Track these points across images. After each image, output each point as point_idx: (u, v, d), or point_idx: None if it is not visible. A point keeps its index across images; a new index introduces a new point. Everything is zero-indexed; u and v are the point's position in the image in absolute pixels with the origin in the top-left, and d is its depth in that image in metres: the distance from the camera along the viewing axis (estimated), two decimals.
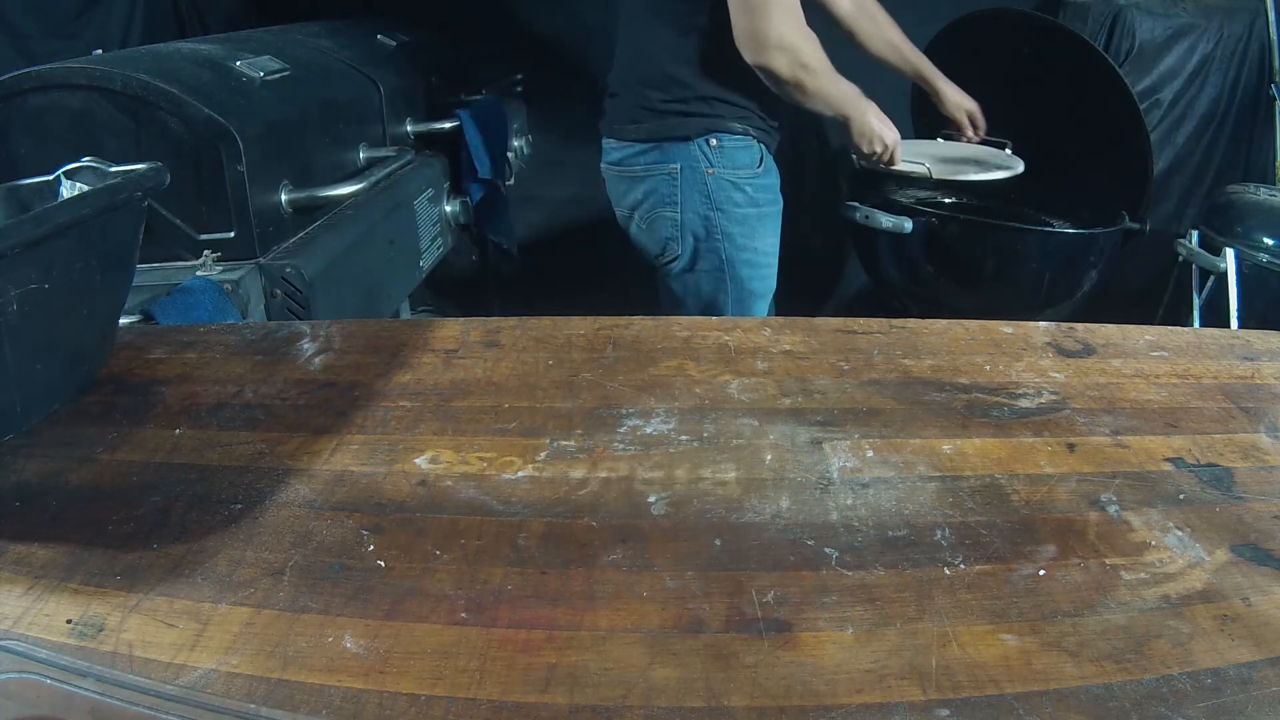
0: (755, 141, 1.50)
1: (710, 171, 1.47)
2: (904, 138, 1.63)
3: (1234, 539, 0.56)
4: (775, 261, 1.57)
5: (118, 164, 0.78)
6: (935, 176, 1.64)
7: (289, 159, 1.35)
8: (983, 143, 1.80)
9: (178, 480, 0.62)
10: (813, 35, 1.41)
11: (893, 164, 1.56)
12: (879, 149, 1.53)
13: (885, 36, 1.69)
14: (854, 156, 1.60)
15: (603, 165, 1.58)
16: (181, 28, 2.28)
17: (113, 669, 0.46)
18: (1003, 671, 0.45)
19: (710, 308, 1.55)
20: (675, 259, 1.53)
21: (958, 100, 1.73)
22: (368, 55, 1.77)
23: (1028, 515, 0.58)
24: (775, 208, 1.54)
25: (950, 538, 0.56)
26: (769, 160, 1.53)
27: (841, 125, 1.53)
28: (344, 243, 1.39)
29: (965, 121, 1.76)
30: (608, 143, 1.55)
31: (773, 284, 1.57)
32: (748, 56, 1.38)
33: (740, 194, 1.48)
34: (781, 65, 1.38)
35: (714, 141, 1.46)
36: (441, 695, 0.44)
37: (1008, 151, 1.76)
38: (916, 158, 1.64)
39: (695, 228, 1.49)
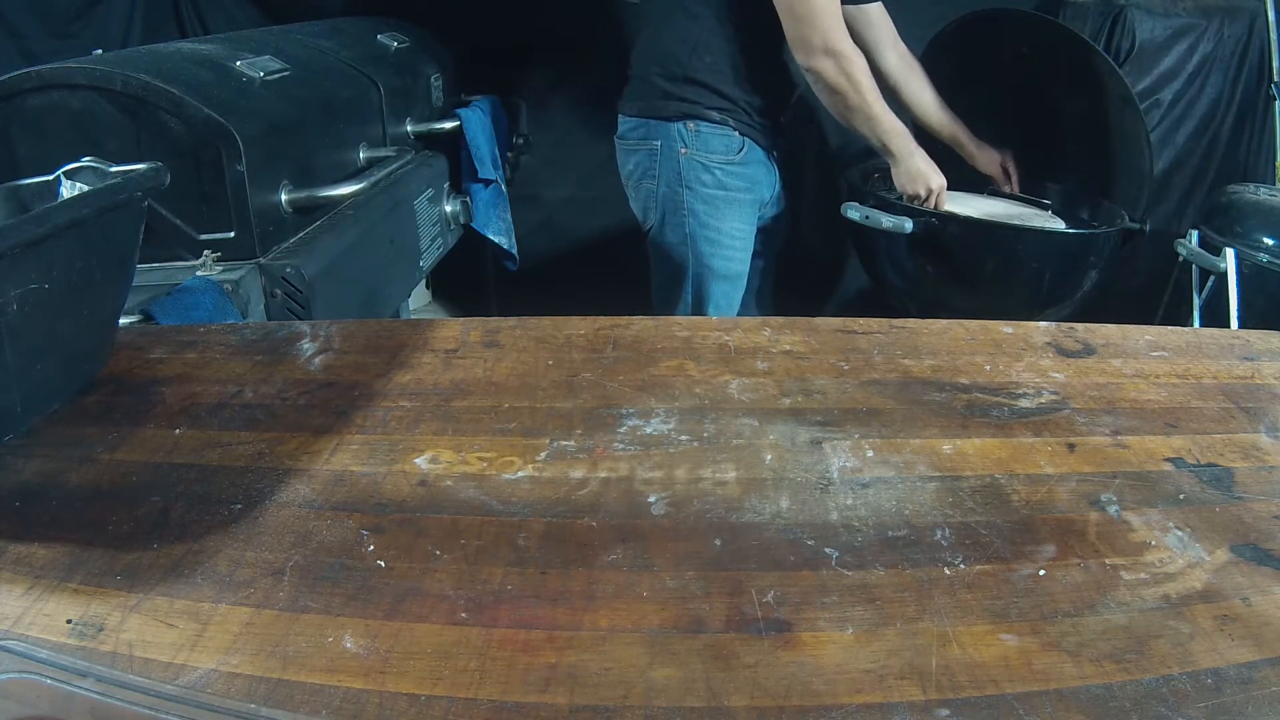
0: (735, 133, 1.58)
1: (684, 152, 1.57)
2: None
3: (1234, 539, 0.56)
4: (744, 246, 1.65)
5: (118, 164, 0.78)
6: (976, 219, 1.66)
7: (289, 159, 1.35)
8: (1027, 201, 1.83)
9: (178, 480, 0.62)
10: (860, 52, 1.48)
11: (937, 209, 1.61)
12: (923, 192, 1.59)
13: (928, 97, 1.75)
14: (901, 196, 1.66)
15: (615, 138, 1.70)
16: (181, 28, 2.28)
17: (113, 669, 0.46)
18: (1003, 671, 0.45)
19: (677, 275, 1.65)
20: (651, 226, 1.66)
21: (990, 157, 1.77)
22: (368, 55, 1.77)
23: (1028, 515, 0.58)
24: (747, 196, 1.62)
25: (950, 538, 0.56)
26: (754, 153, 1.61)
27: (888, 161, 1.59)
28: (344, 243, 1.39)
29: (1001, 176, 1.80)
30: (619, 118, 1.67)
31: (740, 268, 1.65)
32: (799, 60, 1.48)
33: (709, 175, 1.58)
34: (829, 70, 1.46)
35: (692, 126, 1.56)
36: (441, 695, 0.44)
37: (1049, 213, 1.79)
38: (960, 209, 1.69)
39: (666, 200, 1.61)
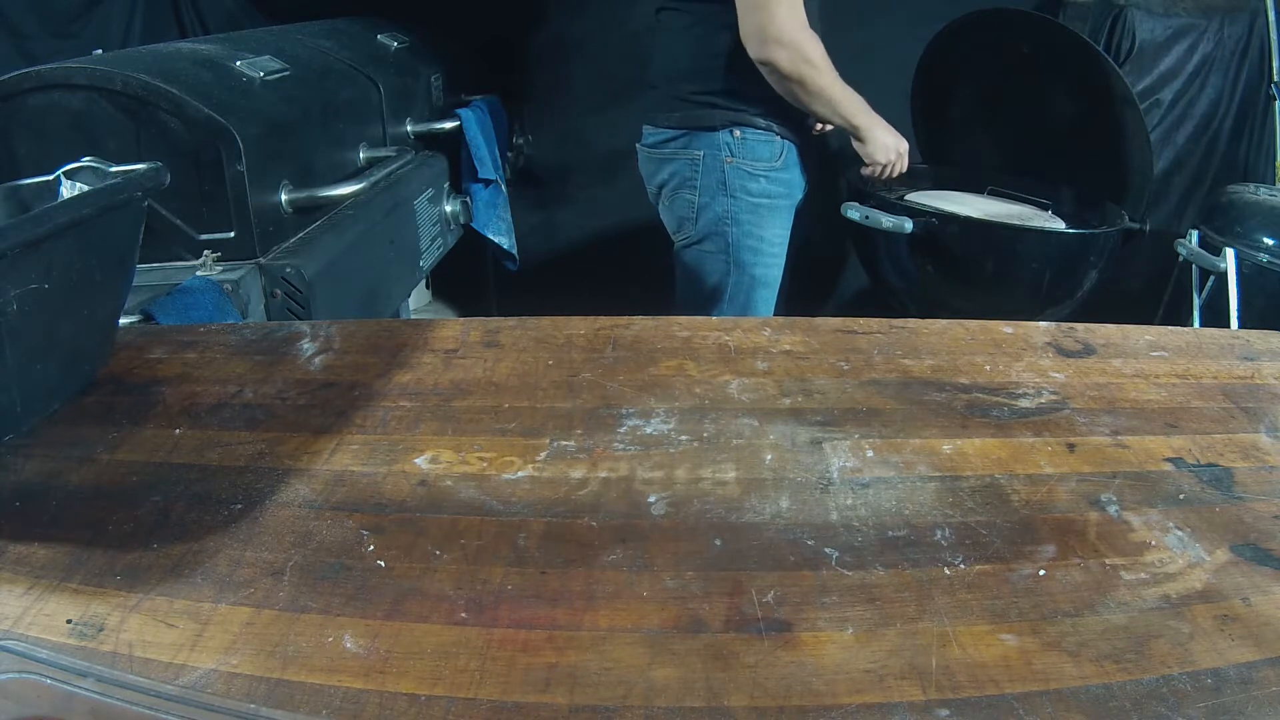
0: (778, 136, 1.55)
1: (730, 160, 1.53)
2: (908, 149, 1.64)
3: (1234, 539, 0.56)
4: (781, 252, 1.62)
5: (118, 164, 0.78)
6: (970, 217, 1.66)
7: (289, 159, 1.35)
8: (1027, 201, 1.83)
9: (178, 480, 0.62)
10: (816, 36, 1.45)
11: (903, 172, 1.60)
12: (892, 158, 1.58)
13: None
14: (863, 171, 1.64)
15: (638, 146, 1.67)
16: (181, 28, 2.28)
17: (113, 669, 0.46)
18: (1003, 671, 0.45)
19: (715, 286, 1.61)
20: (688, 237, 1.61)
21: None
22: (368, 55, 1.77)
23: (1028, 515, 0.58)
24: (787, 201, 1.60)
25: (950, 538, 0.56)
26: (791, 155, 1.58)
27: (851, 135, 1.58)
28: (344, 243, 1.39)
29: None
30: (646, 128, 1.64)
31: (778, 274, 1.62)
32: (751, 52, 1.43)
33: (755, 184, 1.55)
34: (783, 60, 1.42)
35: (737, 133, 1.53)
36: (441, 695, 0.44)
37: (1049, 213, 1.79)
38: (960, 209, 1.69)
39: (708, 211, 1.56)
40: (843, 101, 1.50)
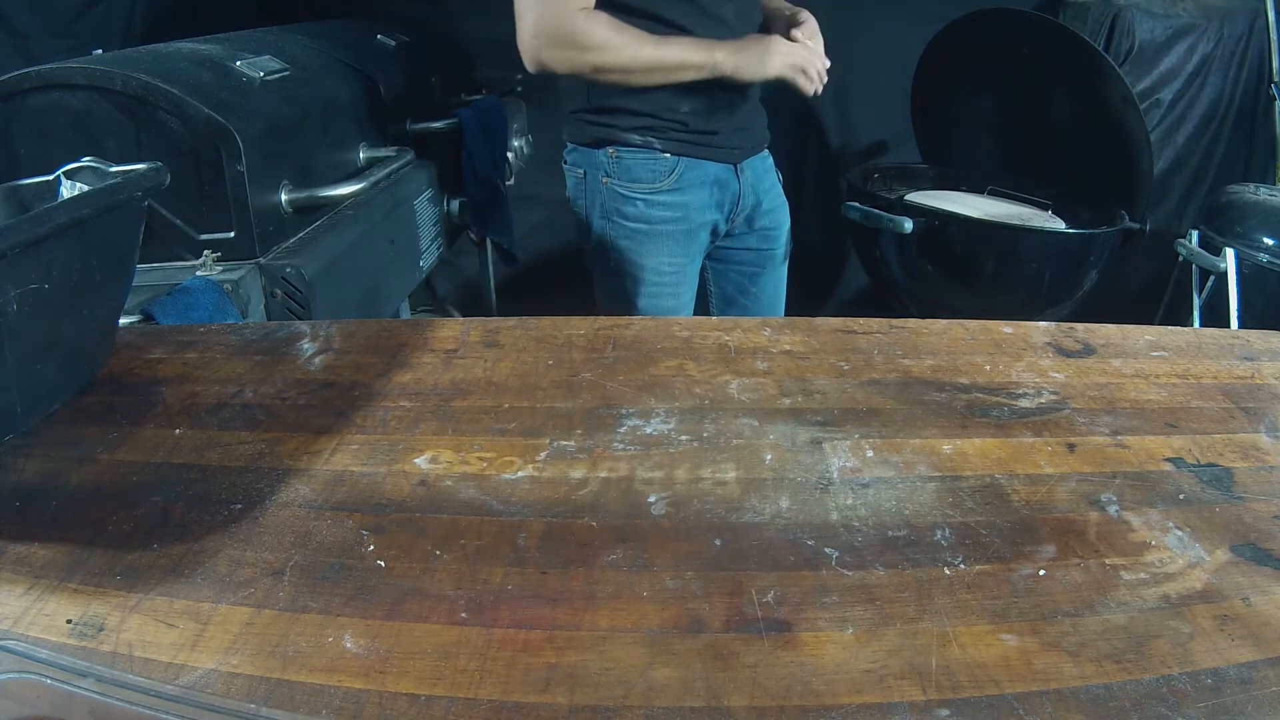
0: (664, 154, 1.37)
1: (605, 181, 1.39)
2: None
3: (1234, 539, 0.56)
4: (677, 281, 1.45)
5: (118, 164, 0.78)
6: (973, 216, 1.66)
7: (289, 159, 1.35)
8: (1027, 201, 1.83)
9: (178, 480, 0.62)
10: (595, 15, 1.26)
11: (820, 74, 1.34)
12: (808, 75, 1.33)
13: None
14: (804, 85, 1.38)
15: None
16: (182, 28, 2.28)
17: (113, 669, 0.46)
18: (1003, 671, 0.45)
19: (609, 308, 1.48)
20: (585, 257, 1.49)
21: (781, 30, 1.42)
22: (368, 55, 1.77)
23: (1028, 515, 0.58)
24: (678, 227, 1.41)
25: (950, 538, 0.56)
26: (697, 171, 1.39)
27: (733, 75, 1.31)
28: (344, 243, 1.39)
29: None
30: None
31: (670, 304, 1.46)
32: (530, 69, 1.30)
33: (631, 208, 1.39)
34: (558, 62, 1.27)
35: (612, 151, 1.38)
36: (441, 695, 0.44)
37: (1049, 213, 1.79)
38: (960, 209, 1.68)
39: (590, 232, 1.44)
40: (667, 59, 1.27)
